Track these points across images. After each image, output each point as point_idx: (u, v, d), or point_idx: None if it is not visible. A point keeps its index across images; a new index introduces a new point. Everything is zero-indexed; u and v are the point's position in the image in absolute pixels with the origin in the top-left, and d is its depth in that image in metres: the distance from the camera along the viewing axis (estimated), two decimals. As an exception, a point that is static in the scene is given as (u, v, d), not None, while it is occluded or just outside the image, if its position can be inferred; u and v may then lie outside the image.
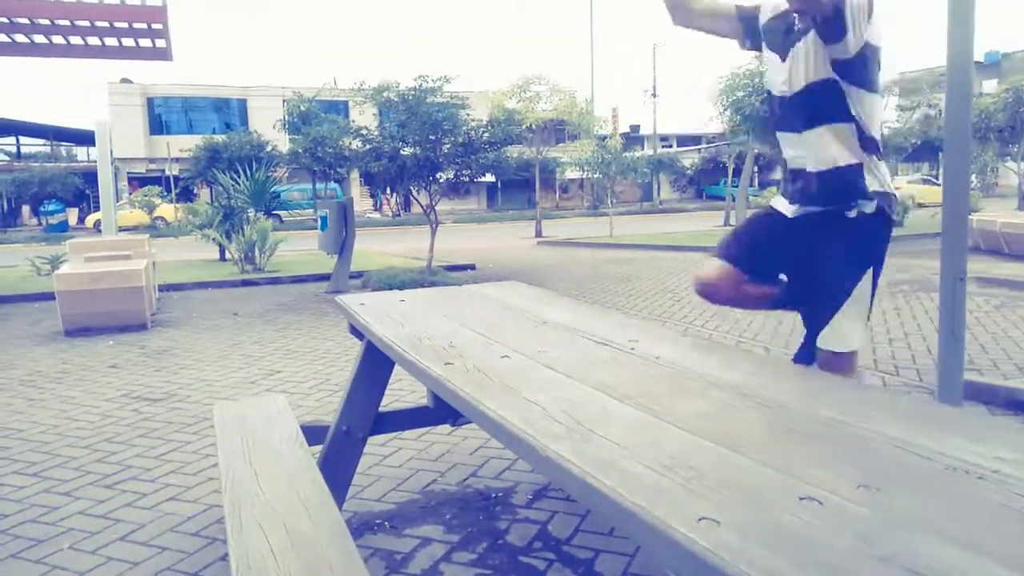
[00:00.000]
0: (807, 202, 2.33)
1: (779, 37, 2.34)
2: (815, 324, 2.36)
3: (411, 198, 10.16)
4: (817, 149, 2.27)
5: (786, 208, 2.41)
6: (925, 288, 7.41)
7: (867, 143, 2.26)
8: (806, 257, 2.35)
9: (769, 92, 2.46)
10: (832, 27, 2.12)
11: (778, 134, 2.45)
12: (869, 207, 2.24)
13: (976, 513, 0.89)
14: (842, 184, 2.26)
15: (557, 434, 1.21)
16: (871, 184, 2.25)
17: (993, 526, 0.86)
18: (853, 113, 2.23)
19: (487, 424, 1.38)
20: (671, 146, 43.75)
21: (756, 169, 25.94)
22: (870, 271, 2.28)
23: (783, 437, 1.18)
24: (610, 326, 2.10)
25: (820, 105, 2.24)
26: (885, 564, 0.78)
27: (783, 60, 2.32)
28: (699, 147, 40.29)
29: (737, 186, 17.80)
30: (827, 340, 2.30)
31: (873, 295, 2.32)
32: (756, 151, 18.09)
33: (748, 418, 1.28)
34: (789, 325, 5.87)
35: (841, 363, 2.29)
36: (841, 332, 2.27)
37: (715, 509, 0.92)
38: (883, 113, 2.31)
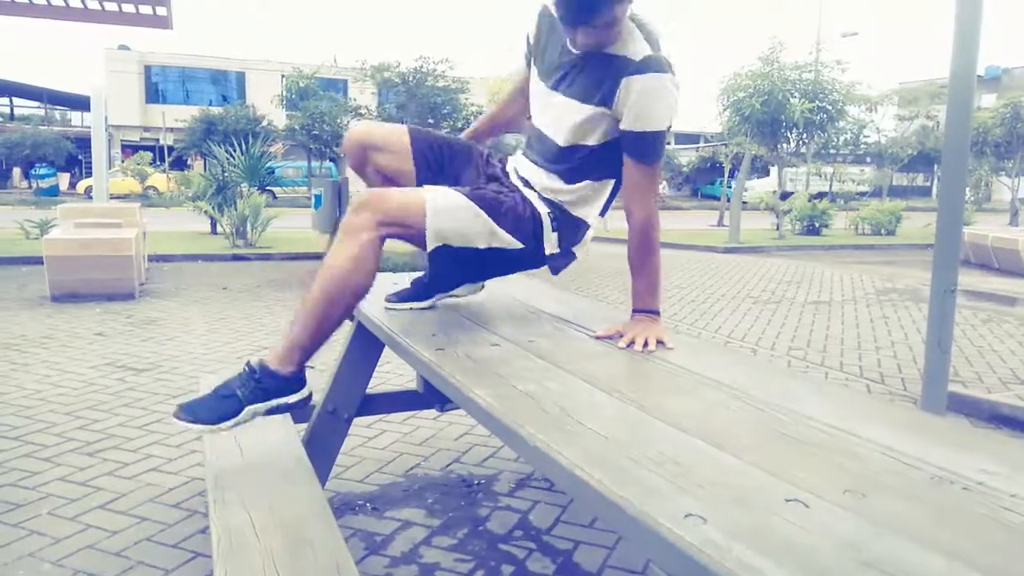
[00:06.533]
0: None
1: None
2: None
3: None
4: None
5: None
6: (914, 298, 7.46)
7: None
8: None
9: None
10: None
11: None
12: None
13: (961, 523, 0.90)
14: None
15: (546, 425, 1.22)
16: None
17: (977, 536, 0.87)
18: None
19: (476, 411, 1.38)
20: (670, 143, 43.76)
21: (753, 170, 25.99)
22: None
23: (772, 439, 1.18)
24: (602, 319, 2.10)
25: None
26: (869, 569, 0.78)
27: None
28: (696, 146, 40.29)
29: (732, 186, 17.82)
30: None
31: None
32: (754, 152, 18.12)
33: (737, 418, 1.28)
34: (776, 328, 5.90)
35: None
36: None
37: (702, 507, 0.92)
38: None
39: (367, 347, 2.54)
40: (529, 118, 2.01)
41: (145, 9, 9.88)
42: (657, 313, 1.84)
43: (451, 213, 1.78)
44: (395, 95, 9.54)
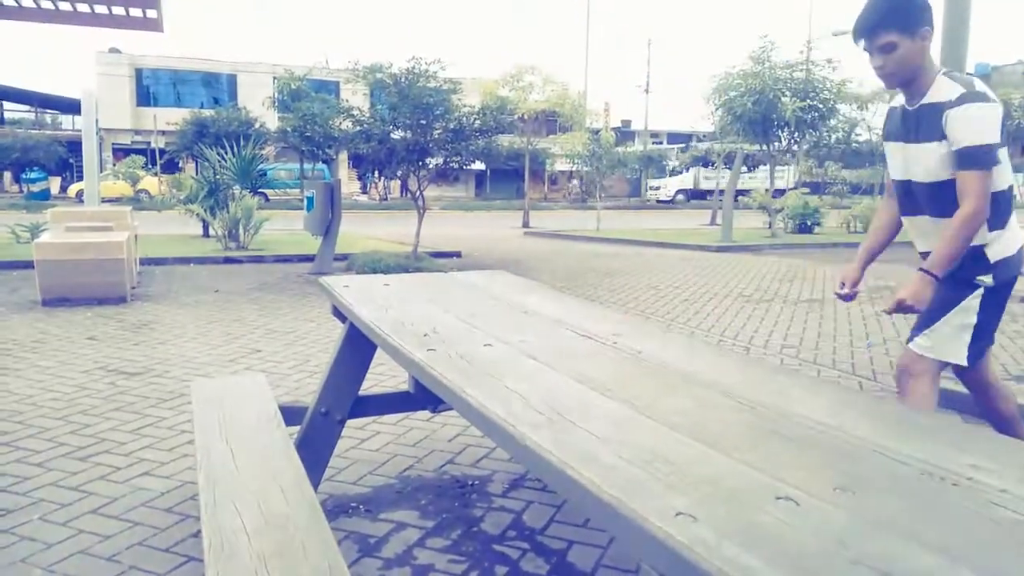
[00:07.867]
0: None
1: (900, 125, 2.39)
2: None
3: (404, 184, 10.11)
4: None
5: None
6: (905, 295, 7.47)
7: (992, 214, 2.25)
8: None
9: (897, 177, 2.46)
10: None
11: (909, 218, 2.49)
12: (988, 279, 2.29)
13: (949, 519, 0.90)
14: (965, 265, 2.29)
15: (538, 424, 1.21)
16: (993, 255, 2.29)
17: (966, 532, 0.87)
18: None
19: (468, 412, 1.37)
20: (661, 143, 43.81)
21: (744, 168, 26.07)
22: (980, 292, 2.31)
23: (762, 437, 1.18)
24: (594, 319, 2.10)
25: (950, 196, 2.24)
26: (859, 566, 0.78)
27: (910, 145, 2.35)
28: (689, 145, 40.37)
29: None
30: (915, 341, 2.44)
31: (985, 324, 2.33)
32: (745, 151, 18.16)
33: (728, 416, 1.28)
34: (769, 327, 5.91)
35: (916, 365, 2.44)
36: (931, 336, 2.38)
37: (692, 505, 0.92)
38: (1006, 164, 2.25)
39: (359, 349, 2.54)
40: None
41: (135, 12, 9.84)
42: (931, 274, 2.19)
43: None
44: (387, 96, 9.50)
